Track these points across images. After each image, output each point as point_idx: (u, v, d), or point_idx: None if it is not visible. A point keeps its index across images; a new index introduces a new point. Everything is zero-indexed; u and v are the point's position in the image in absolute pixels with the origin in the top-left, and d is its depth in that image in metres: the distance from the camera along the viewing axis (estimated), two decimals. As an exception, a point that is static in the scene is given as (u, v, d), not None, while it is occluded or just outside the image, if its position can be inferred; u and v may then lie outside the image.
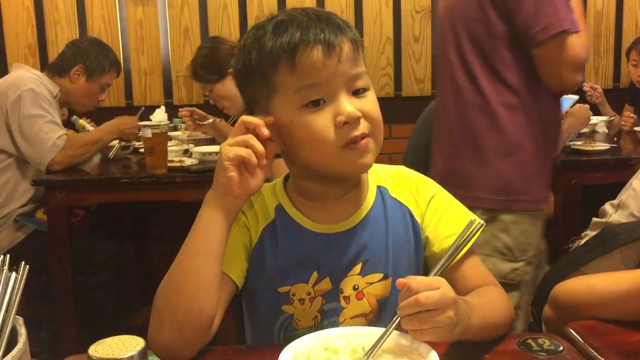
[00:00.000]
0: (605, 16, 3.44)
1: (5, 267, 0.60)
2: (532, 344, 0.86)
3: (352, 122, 0.86)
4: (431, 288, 0.76)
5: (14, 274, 0.60)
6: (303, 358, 0.74)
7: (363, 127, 0.88)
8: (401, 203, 0.99)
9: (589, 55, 3.41)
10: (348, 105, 0.87)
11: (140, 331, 0.75)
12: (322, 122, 0.86)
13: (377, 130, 0.90)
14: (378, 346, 0.75)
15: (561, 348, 0.85)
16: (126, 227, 3.30)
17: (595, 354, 0.84)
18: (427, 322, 0.75)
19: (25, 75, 2.44)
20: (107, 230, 2.90)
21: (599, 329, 0.93)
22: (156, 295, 0.87)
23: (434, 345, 0.74)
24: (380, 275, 0.95)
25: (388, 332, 0.76)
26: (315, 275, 0.93)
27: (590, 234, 1.07)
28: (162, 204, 3.07)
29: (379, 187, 1.00)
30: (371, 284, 0.95)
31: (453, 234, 0.96)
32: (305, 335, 0.77)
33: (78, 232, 2.46)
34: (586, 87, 3.18)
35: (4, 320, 0.58)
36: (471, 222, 0.86)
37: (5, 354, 0.54)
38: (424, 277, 0.79)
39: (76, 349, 0.79)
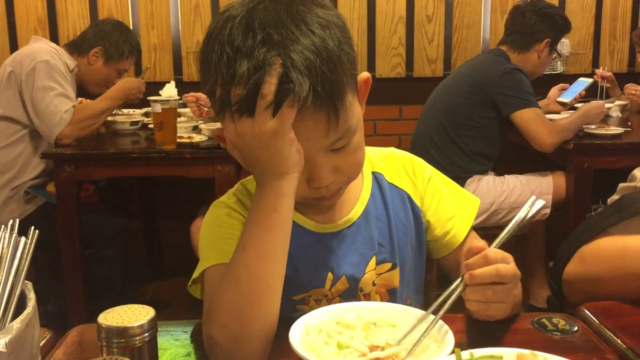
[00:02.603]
0: (623, -2, 3.38)
1: (15, 232, 0.59)
2: (547, 323, 0.85)
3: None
4: (506, 261, 0.74)
5: (23, 239, 0.59)
6: (315, 331, 0.72)
7: (336, 184, 0.83)
8: (399, 188, 0.97)
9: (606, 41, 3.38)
10: (327, 174, 0.79)
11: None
12: None
13: (353, 176, 0.85)
14: (443, 309, 0.72)
15: (576, 328, 0.84)
16: (134, 203, 3.30)
17: (611, 334, 0.82)
18: (500, 296, 0.73)
19: (42, 48, 2.43)
20: (117, 206, 2.90)
21: (614, 310, 0.91)
22: (220, 309, 0.76)
23: (447, 322, 0.72)
24: (389, 265, 0.93)
25: (453, 297, 0.74)
26: (330, 276, 0.90)
27: (615, 198, 1.05)
28: (170, 180, 3.07)
29: (374, 173, 0.97)
30: (380, 274, 0.93)
31: (454, 215, 0.96)
32: (318, 309, 0.76)
33: (87, 206, 2.46)
34: (597, 76, 3.12)
35: (13, 285, 0.57)
36: (532, 200, 0.82)
37: (15, 318, 0.53)
38: (497, 250, 0.76)
39: (84, 322, 0.80)
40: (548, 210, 2.54)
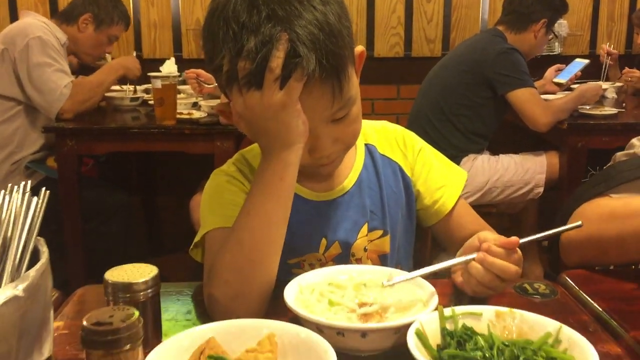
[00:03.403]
0: (621, -20, 3.39)
1: (28, 192, 0.63)
2: (528, 287, 0.89)
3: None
4: (519, 265, 0.80)
5: (35, 199, 0.63)
6: (308, 291, 0.77)
7: (336, 153, 0.87)
8: (390, 159, 1.01)
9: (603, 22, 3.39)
10: (328, 145, 0.84)
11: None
12: None
13: (351, 144, 0.90)
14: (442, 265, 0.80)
15: (556, 292, 0.89)
16: (134, 179, 3.34)
17: (588, 298, 0.87)
18: (493, 286, 0.79)
19: (33, 23, 2.43)
20: (117, 181, 2.94)
21: (593, 278, 0.96)
22: (222, 268, 0.80)
23: (434, 284, 0.77)
24: (380, 232, 0.98)
25: (456, 264, 0.82)
26: (324, 242, 0.95)
27: None
28: (169, 155, 3.10)
29: (366, 145, 1.01)
30: (372, 241, 0.98)
31: (443, 185, 1.01)
32: (310, 271, 0.81)
33: (87, 181, 2.49)
34: (603, 50, 3.15)
35: (26, 241, 0.61)
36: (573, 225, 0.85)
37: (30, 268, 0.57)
38: (521, 254, 0.82)
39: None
40: (541, 190, 2.58)
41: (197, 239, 0.94)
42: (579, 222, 0.83)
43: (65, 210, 2.36)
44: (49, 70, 2.36)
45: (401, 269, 1.00)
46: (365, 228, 0.97)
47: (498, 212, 2.85)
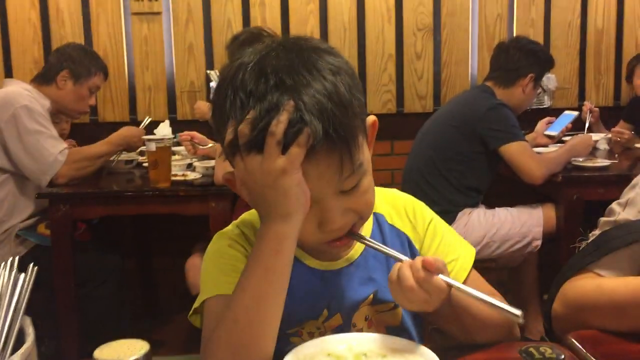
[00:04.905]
0: (606, 34, 3.47)
1: (15, 269, 0.61)
2: (534, 352, 0.86)
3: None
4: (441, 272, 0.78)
5: (22, 275, 0.61)
6: (306, 363, 0.74)
7: (347, 224, 0.83)
8: (399, 229, 0.98)
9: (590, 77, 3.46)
10: (338, 217, 0.81)
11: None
12: (305, 220, 0.79)
13: (365, 215, 0.86)
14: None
15: (563, 357, 0.85)
16: (129, 240, 3.30)
17: (597, 362, 0.84)
18: (414, 293, 0.77)
19: (17, 91, 2.43)
20: (110, 244, 2.91)
21: (600, 338, 0.93)
22: (217, 347, 0.77)
23: (434, 349, 0.74)
24: (391, 305, 0.94)
25: (393, 254, 0.83)
26: (325, 313, 0.92)
27: (597, 233, 1.08)
28: (164, 217, 3.08)
29: (375, 214, 0.98)
30: (381, 312, 0.94)
31: (453, 259, 0.97)
32: (308, 342, 0.78)
33: (80, 245, 2.46)
34: (585, 107, 3.19)
35: (12, 320, 0.59)
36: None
37: (14, 353, 0.55)
38: (439, 259, 0.79)
39: (78, 361, 0.80)
40: (539, 243, 2.56)
41: (196, 304, 0.91)
42: (519, 313, 0.77)
43: (58, 277, 2.31)
44: (42, 137, 2.36)
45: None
46: (370, 298, 0.93)
47: (497, 266, 2.82)
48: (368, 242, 0.86)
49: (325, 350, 0.77)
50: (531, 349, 0.87)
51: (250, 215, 0.97)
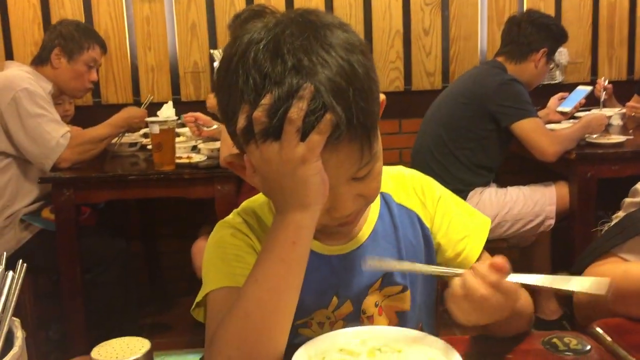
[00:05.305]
0: (619, 6, 3.38)
1: (2, 266, 0.57)
2: (558, 343, 0.82)
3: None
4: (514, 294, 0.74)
5: (10, 273, 0.57)
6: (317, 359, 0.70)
7: (356, 211, 0.81)
8: (408, 208, 0.94)
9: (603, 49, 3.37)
10: (349, 204, 0.78)
11: (150, 331, 0.71)
12: None
13: (372, 200, 0.83)
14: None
15: (588, 347, 0.81)
16: (134, 224, 3.27)
17: (625, 353, 0.79)
18: (474, 306, 0.71)
19: (18, 74, 2.38)
20: (115, 228, 2.88)
21: (626, 327, 0.88)
22: (225, 343, 0.73)
23: (455, 344, 0.69)
24: (400, 288, 0.91)
25: (447, 272, 0.77)
26: (335, 300, 0.88)
27: (621, 215, 1.03)
28: (169, 201, 3.05)
29: (382, 193, 0.93)
30: (389, 296, 0.90)
31: (466, 236, 0.93)
32: (320, 336, 0.73)
33: (85, 230, 2.43)
34: (599, 85, 3.11)
35: (0, 321, 0.55)
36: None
37: (2, 357, 0.50)
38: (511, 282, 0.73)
39: (85, 348, 0.78)
40: (552, 222, 2.51)
41: (198, 298, 0.86)
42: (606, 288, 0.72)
43: (63, 261, 2.29)
44: (43, 120, 2.31)
45: (422, 327, 0.93)
46: (378, 283, 0.89)
47: (509, 246, 2.77)
48: (420, 269, 0.82)
49: (337, 345, 0.72)
50: (555, 340, 0.83)
51: (252, 202, 0.92)
